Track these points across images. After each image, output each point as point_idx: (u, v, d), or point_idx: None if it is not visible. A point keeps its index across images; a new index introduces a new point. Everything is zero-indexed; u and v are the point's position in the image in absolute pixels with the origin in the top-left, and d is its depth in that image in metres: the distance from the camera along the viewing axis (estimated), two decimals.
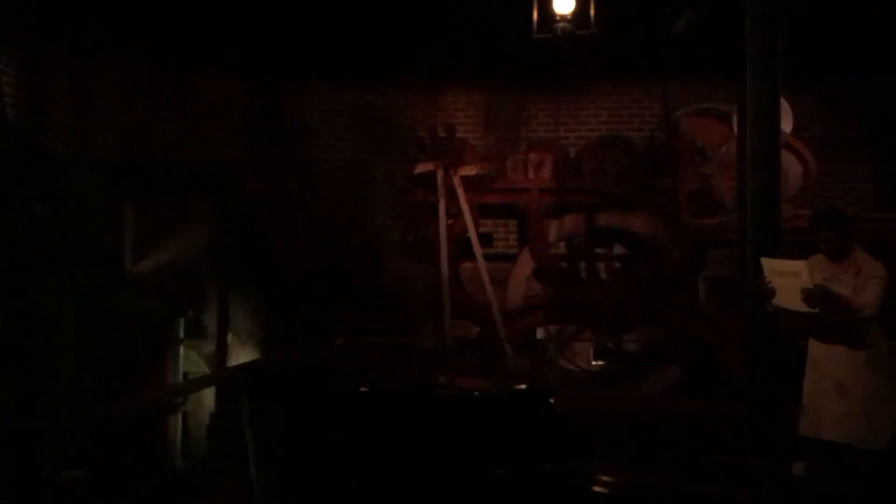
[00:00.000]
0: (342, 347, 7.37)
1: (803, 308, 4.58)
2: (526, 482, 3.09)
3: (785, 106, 7.11)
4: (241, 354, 6.50)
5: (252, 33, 9.11)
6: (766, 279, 4.75)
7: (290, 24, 9.10)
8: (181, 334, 6.09)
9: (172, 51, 8.73)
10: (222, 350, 5.82)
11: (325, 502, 3.50)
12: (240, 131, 9.67)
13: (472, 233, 7.75)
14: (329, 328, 7.93)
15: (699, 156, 7.79)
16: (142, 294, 5.92)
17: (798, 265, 4.65)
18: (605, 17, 7.54)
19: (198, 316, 6.21)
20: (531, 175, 7.88)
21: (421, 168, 7.84)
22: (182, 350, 6.05)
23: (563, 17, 7.36)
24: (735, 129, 7.02)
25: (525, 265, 7.94)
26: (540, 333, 8.24)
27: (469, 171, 7.76)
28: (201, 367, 6.15)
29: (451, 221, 7.82)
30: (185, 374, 6.13)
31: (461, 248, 7.95)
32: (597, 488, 3.15)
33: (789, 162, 7.57)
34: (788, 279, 4.63)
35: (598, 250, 8.18)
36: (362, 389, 3.52)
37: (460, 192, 7.68)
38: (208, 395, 6.11)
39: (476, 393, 3.50)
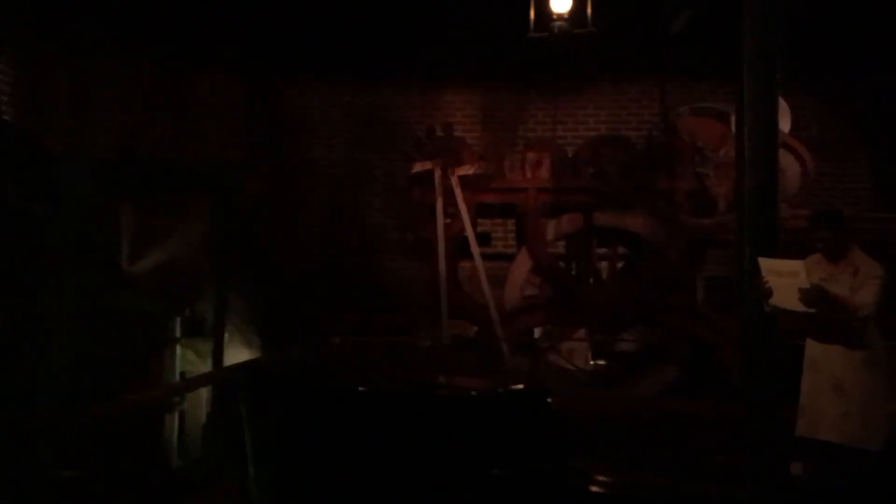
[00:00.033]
0: (340, 347, 7.36)
1: (801, 308, 4.58)
2: (524, 482, 3.09)
3: (783, 105, 7.10)
4: (239, 353, 6.49)
5: (251, 32, 9.11)
6: (764, 279, 4.75)
7: (289, 23, 9.09)
8: (178, 333, 6.08)
9: (171, 50, 8.73)
10: (219, 349, 5.81)
11: (323, 502, 3.50)
12: (238, 130, 9.67)
13: (469, 232, 7.74)
14: (327, 327, 7.92)
15: (697, 155, 7.79)
16: (139, 293, 5.91)
17: (795, 265, 4.65)
18: (604, 16, 7.52)
19: (195, 315, 6.20)
20: (529, 174, 7.88)
21: (418, 167, 7.84)
22: (179, 349, 6.04)
23: (560, 16, 7.35)
24: (733, 128, 7.02)
25: (523, 265, 7.94)
26: (538, 333, 8.24)
27: (467, 170, 7.76)
28: (198, 367, 6.14)
29: (448, 221, 7.82)
30: (182, 374, 6.11)
31: (459, 248, 7.94)
32: (595, 488, 3.14)
33: (787, 162, 7.56)
34: (786, 279, 4.63)
35: (597, 250, 8.17)
36: (360, 389, 3.52)
37: (458, 191, 7.68)
38: (205, 395, 6.10)
39: (473, 393, 3.49)
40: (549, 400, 3.34)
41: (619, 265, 8.17)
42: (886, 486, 3.54)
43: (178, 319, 6.10)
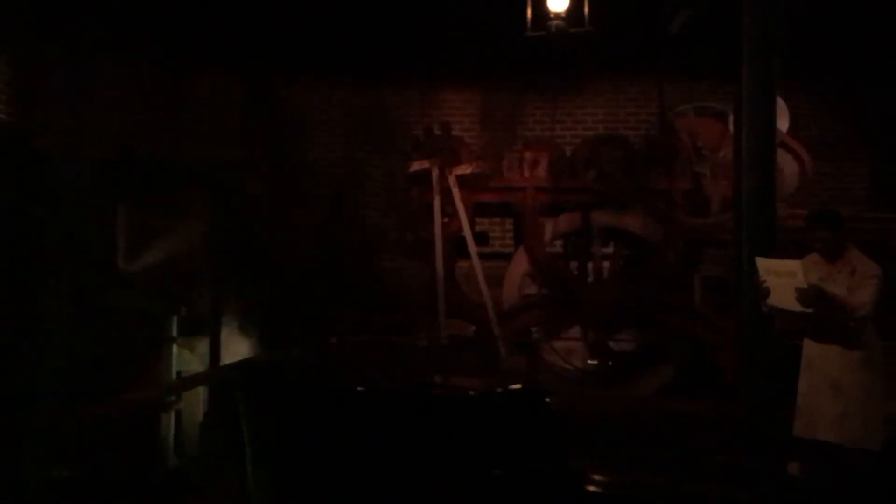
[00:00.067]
0: (338, 346, 7.34)
1: (798, 308, 4.58)
2: (522, 482, 3.08)
3: (781, 105, 7.10)
4: (236, 352, 6.47)
5: (249, 32, 9.09)
6: (761, 279, 4.74)
7: (288, 23, 9.08)
8: (175, 333, 6.06)
9: (170, 50, 8.71)
10: (216, 348, 5.80)
11: (321, 501, 3.49)
12: (237, 130, 9.66)
13: (467, 231, 7.73)
14: (325, 326, 7.90)
15: (695, 155, 7.79)
16: (136, 292, 5.90)
17: (793, 265, 4.64)
18: (602, 15, 7.52)
19: (192, 314, 6.19)
20: (527, 174, 7.87)
21: (416, 166, 7.83)
22: (175, 348, 6.03)
23: (557, 15, 7.35)
24: (731, 128, 7.02)
25: (520, 264, 7.93)
26: (536, 333, 8.23)
27: (464, 169, 7.75)
28: (195, 366, 6.13)
29: (446, 220, 7.81)
30: (179, 373, 6.10)
31: (457, 247, 7.93)
32: (593, 488, 3.13)
33: (785, 161, 7.56)
34: (783, 279, 4.62)
35: (594, 249, 8.16)
36: (359, 388, 3.51)
37: (455, 191, 7.67)
38: (202, 394, 6.09)
39: (471, 392, 3.48)
40: (546, 400, 3.33)
41: (617, 264, 8.16)
42: (885, 487, 3.53)
43: (175, 319, 6.08)
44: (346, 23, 9.14)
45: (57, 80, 7.29)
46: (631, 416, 6.62)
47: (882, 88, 9.18)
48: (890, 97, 9.16)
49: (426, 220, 7.87)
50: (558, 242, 8.43)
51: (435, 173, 7.69)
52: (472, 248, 7.73)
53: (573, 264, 8.22)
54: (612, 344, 8.24)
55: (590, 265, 8.06)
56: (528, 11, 7.46)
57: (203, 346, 6.02)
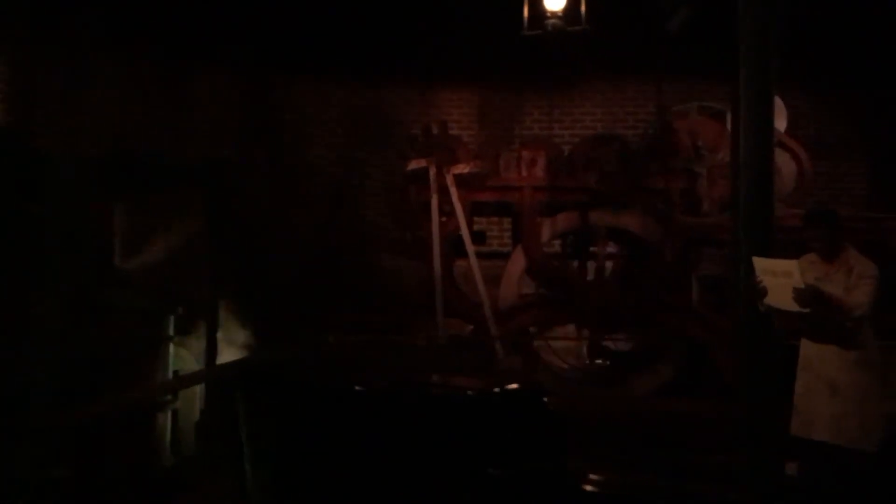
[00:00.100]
0: (336, 345, 7.34)
1: (795, 308, 4.57)
2: (520, 482, 3.07)
3: (779, 104, 7.10)
4: (233, 352, 6.46)
5: (246, 30, 9.08)
6: (758, 279, 4.74)
7: (287, 22, 9.07)
8: (171, 331, 6.05)
9: (168, 48, 8.69)
10: (212, 347, 5.78)
11: (319, 500, 3.48)
12: (235, 129, 9.64)
13: (464, 231, 7.73)
14: (322, 325, 7.90)
15: (693, 154, 7.78)
16: (132, 291, 5.88)
17: (790, 265, 4.63)
18: (600, 14, 7.52)
19: (188, 313, 6.17)
20: (524, 173, 7.86)
21: (413, 165, 7.82)
22: (172, 348, 6.02)
23: (554, 14, 7.34)
24: (729, 127, 7.01)
25: (518, 263, 7.92)
26: (533, 332, 8.22)
27: (462, 168, 7.74)
28: (192, 365, 6.12)
29: (444, 219, 7.81)
30: (176, 372, 6.08)
31: (454, 246, 7.92)
32: (591, 488, 3.12)
33: (783, 161, 7.57)
34: (780, 279, 4.62)
35: (592, 249, 8.16)
36: (357, 388, 3.51)
37: (453, 190, 7.66)
38: (199, 393, 6.08)
39: (469, 392, 3.47)
40: (544, 399, 3.32)
41: (615, 264, 8.15)
42: (883, 487, 3.53)
43: (172, 318, 6.07)
44: (344, 22, 9.13)
45: (55, 78, 7.28)
46: (629, 415, 6.62)
47: (881, 88, 9.18)
48: (888, 97, 9.17)
49: (423, 220, 7.86)
50: (556, 242, 8.43)
51: (432, 172, 7.69)
52: (470, 247, 7.72)
53: (571, 264, 8.21)
54: (609, 344, 8.24)
55: (588, 265, 8.06)
56: (525, 10, 7.46)
57: (200, 345, 6.00)
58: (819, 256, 4.80)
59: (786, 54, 5.70)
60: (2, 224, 5.24)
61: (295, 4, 8.87)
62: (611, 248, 8.21)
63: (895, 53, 8.66)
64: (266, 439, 3.62)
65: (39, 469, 4.77)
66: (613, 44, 8.42)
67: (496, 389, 3.31)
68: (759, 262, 4.79)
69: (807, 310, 4.55)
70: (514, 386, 3.39)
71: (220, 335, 6.13)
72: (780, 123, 7.57)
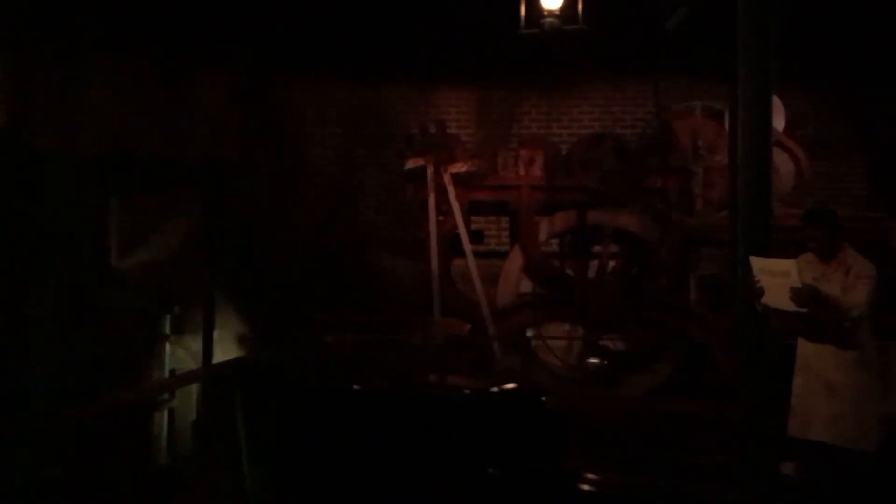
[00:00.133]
0: (333, 345, 7.33)
1: (792, 308, 4.56)
2: (518, 482, 3.07)
3: (778, 104, 7.09)
4: (229, 351, 6.45)
5: (246, 30, 9.07)
6: (755, 278, 4.73)
7: (284, 21, 9.05)
8: (168, 331, 6.04)
9: (167, 48, 8.69)
10: (208, 346, 5.77)
11: (318, 500, 3.48)
12: (232, 128, 9.64)
13: (461, 230, 7.72)
14: (319, 325, 7.89)
15: (691, 154, 7.77)
16: (129, 290, 5.87)
17: (787, 264, 4.62)
18: (598, 13, 7.52)
19: (185, 312, 6.16)
20: (522, 172, 7.85)
21: (411, 164, 7.81)
22: (168, 347, 6.00)
23: (551, 13, 7.34)
24: (728, 127, 7.00)
25: (515, 263, 7.91)
26: (530, 331, 8.21)
27: (459, 167, 7.73)
28: (188, 364, 6.10)
29: (441, 218, 7.80)
30: (172, 371, 6.07)
31: (452, 245, 7.91)
32: (589, 488, 3.12)
33: (781, 160, 7.56)
34: (777, 278, 4.61)
35: (590, 248, 8.15)
36: (355, 388, 3.50)
37: (450, 189, 7.65)
38: (195, 392, 6.06)
39: (468, 392, 3.47)
40: (542, 399, 3.32)
41: (613, 263, 8.14)
42: (880, 487, 3.52)
43: (168, 317, 6.05)
44: (343, 22, 9.13)
45: (54, 78, 7.26)
46: (628, 415, 6.62)
47: (879, 88, 9.17)
48: (887, 97, 9.15)
49: (421, 219, 7.85)
50: (554, 241, 8.42)
51: (430, 171, 7.67)
52: (467, 246, 7.71)
53: (569, 263, 8.20)
54: (607, 343, 8.23)
55: (585, 264, 8.04)
56: (522, 9, 7.45)
57: (197, 344, 5.99)
58: (817, 256, 4.79)
59: (785, 54, 5.70)
60: (0, 223, 5.23)
61: (294, 4, 8.85)
62: (607, 248, 8.19)
63: (894, 53, 8.66)
64: (265, 438, 3.62)
65: (35, 469, 4.76)
66: (612, 43, 8.41)
67: (495, 389, 3.31)
68: (757, 262, 4.79)
69: (804, 310, 4.54)
70: (513, 386, 3.39)
71: (216, 334, 6.12)
72: (779, 123, 7.56)
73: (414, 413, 3.28)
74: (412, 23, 9.06)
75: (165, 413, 5.99)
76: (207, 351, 5.84)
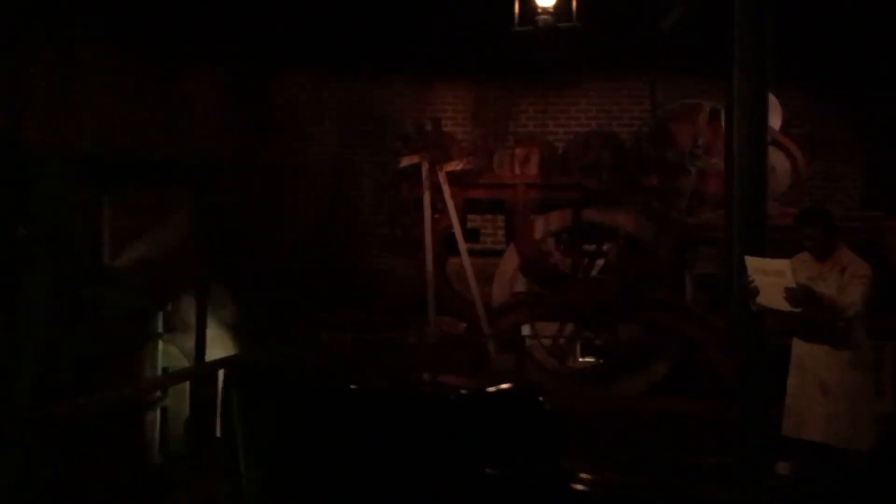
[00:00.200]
0: (328, 343, 7.32)
1: (787, 307, 4.54)
2: (516, 482, 3.05)
3: (774, 102, 7.07)
4: (223, 349, 6.42)
5: (239, 26, 9.04)
6: (750, 278, 4.71)
7: (279, 18, 9.03)
8: (160, 329, 6.00)
9: (159, 45, 8.65)
10: (201, 345, 5.74)
11: (314, 500, 3.46)
12: (226, 125, 9.61)
13: (456, 228, 7.70)
14: (314, 323, 7.88)
15: (687, 152, 7.75)
16: (121, 288, 5.84)
17: (782, 264, 4.61)
18: (594, 11, 7.50)
19: (178, 310, 6.13)
20: (517, 170, 7.84)
21: (406, 162, 7.80)
22: (161, 345, 5.97)
23: (545, 10, 7.32)
24: (724, 125, 6.98)
25: (511, 261, 7.90)
26: (526, 330, 8.20)
27: (455, 166, 7.73)
28: (181, 363, 6.07)
29: (436, 216, 7.78)
30: (165, 370, 6.03)
31: (447, 244, 7.90)
32: (588, 488, 3.10)
33: (777, 159, 7.54)
34: (772, 278, 4.59)
35: (585, 247, 8.14)
36: (352, 387, 3.49)
37: (445, 187, 7.65)
38: (188, 390, 6.03)
39: (465, 391, 3.45)
40: (540, 399, 3.30)
41: (608, 262, 8.13)
42: (876, 488, 3.50)
43: (161, 315, 6.02)
44: (336, 17, 9.10)
45: (45, 76, 7.22)
46: (625, 415, 6.61)
47: (877, 87, 9.15)
48: (885, 96, 9.13)
49: (416, 217, 7.84)
50: (550, 239, 8.40)
51: (425, 169, 7.67)
52: (462, 244, 7.71)
53: (564, 261, 8.19)
54: (603, 342, 8.22)
55: (581, 263, 8.03)
56: (516, 6, 7.43)
57: (190, 342, 5.96)
58: (812, 255, 4.77)
59: (782, 52, 5.68)
60: None
61: (291, 2, 8.84)
62: (602, 247, 8.19)
63: (892, 52, 8.64)
64: (261, 438, 3.60)
65: (28, 468, 4.73)
66: (608, 41, 8.40)
67: (493, 389, 3.29)
68: (751, 262, 4.77)
69: (798, 309, 4.53)
70: (511, 385, 3.37)
71: (210, 332, 6.09)
72: (775, 122, 7.54)
73: (412, 413, 3.26)
74: (409, 21, 9.04)
75: (158, 412, 5.95)
76: (200, 349, 5.80)
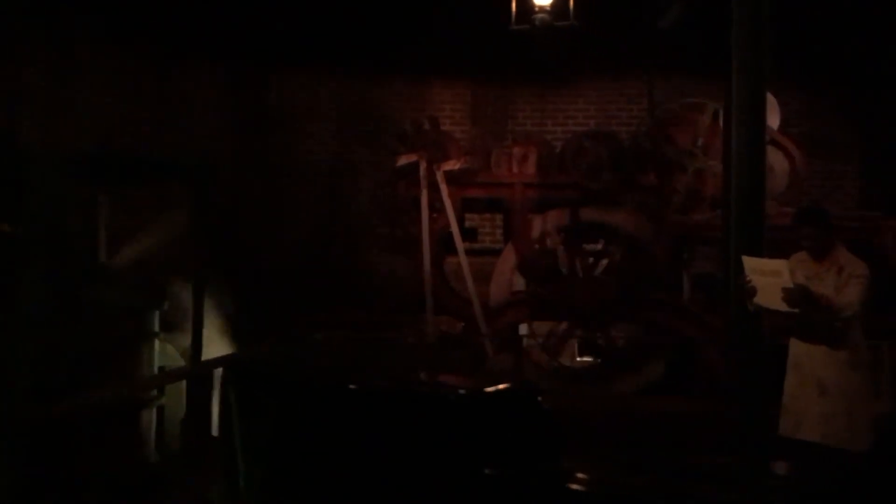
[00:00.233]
0: (324, 343, 7.31)
1: (784, 308, 4.54)
2: (515, 482, 3.05)
3: (772, 102, 7.06)
4: (220, 348, 6.41)
5: (236, 25, 9.03)
6: (747, 278, 4.70)
7: (276, 16, 9.02)
8: (157, 328, 5.99)
9: (157, 43, 8.63)
10: (197, 343, 5.73)
11: (312, 499, 3.46)
12: (224, 124, 9.59)
13: (454, 227, 7.69)
14: (311, 322, 7.86)
15: (685, 152, 7.74)
16: (117, 287, 5.82)
17: (779, 264, 4.60)
18: (592, 11, 7.48)
19: (174, 309, 6.12)
20: (515, 169, 7.83)
21: (403, 160, 7.78)
22: (157, 344, 5.96)
23: (542, 9, 7.31)
24: (722, 125, 6.98)
25: (509, 260, 7.89)
26: (523, 329, 8.19)
27: (452, 165, 7.71)
28: (178, 361, 6.06)
29: (434, 215, 7.77)
30: (161, 368, 6.03)
31: (445, 243, 7.89)
32: (587, 488, 3.10)
33: (776, 158, 7.53)
34: (769, 278, 4.59)
35: (583, 246, 8.12)
36: (351, 387, 3.49)
37: (443, 186, 7.63)
38: (185, 389, 6.02)
39: (463, 391, 3.45)
40: (539, 398, 3.29)
41: (605, 261, 8.12)
42: (874, 488, 3.50)
43: (157, 314, 6.01)
44: (335, 15, 9.09)
45: (41, 75, 7.20)
46: (624, 414, 6.60)
47: (875, 86, 9.15)
48: (883, 95, 9.13)
49: (413, 216, 7.82)
50: (547, 239, 8.38)
51: (422, 168, 7.65)
52: (459, 244, 7.70)
53: (562, 261, 8.17)
54: (600, 341, 8.21)
55: (578, 262, 8.01)
56: (513, 4, 7.42)
57: (186, 341, 5.95)
58: (809, 255, 4.77)
59: (780, 52, 5.67)
60: None
61: (288, 2, 8.82)
62: (600, 246, 8.18)
63: (891, 52, 8.64)
64: (259, 437, 3.60)
65: (23, 467, 4.72)
66: (606, 40, 8.39)
67: (492, 388, 3.29)
68: (749, 262, 4.76)
69: (795, 310, 4.52)
70: (510, 385, 3.36)
71: (207, 331, 6.07)
72: (773, 121, 7.53)
73: (411, 412, 3.26)
74: (406, 19, 9.03)
75: (154, 410, 5.94)
76: (196, 348, 5.80)
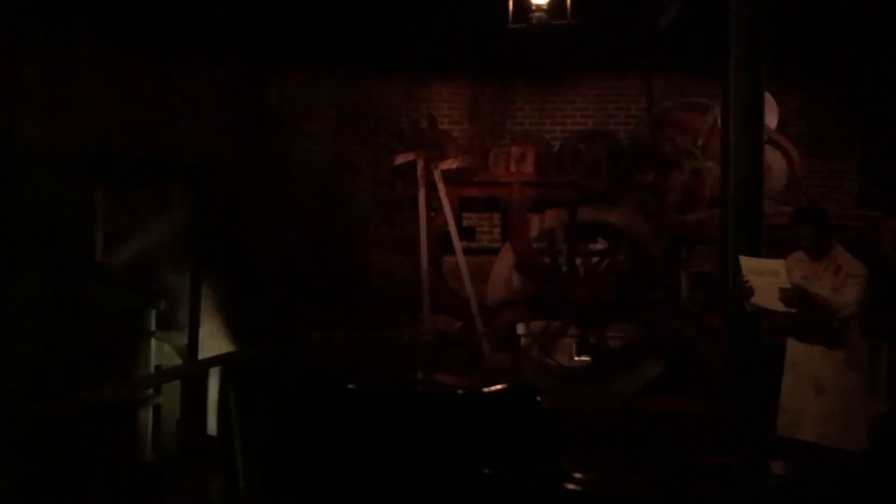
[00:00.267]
0: (321, 342, 7.29)
1: (781, 308, 4.53)
2: (514, 482, 3.04)
3: (770, 101, 7.07)
4: (216, 347, 6.40)
5: (236, 25, 9.02)
6: (745, 278, 4.70)
7: (276, 16, 9.01)
8: (153, 327, 5.99)
9: (154, 43, 8.62)
10: (194, 343, 5.73)
11: (311, 499, 3.46)
12: (222, 123, 9.58)
13: (451, 226, 7.68)
14: (308, 321, 7.86)
15: (683, 151, 7.74)
16: (114, 286, 5.82)
17: (776, 264, 4.60)
18: (589, 9, 7.48)
19: (171, 308, 6.12)
20: (513, 168, 7.81)
21: (401, 159, 7.76)
22: (154, 343, 5.96)
23: (539, 7, 7.30)
24: (720, 123, 6.98)
25: (506, 260, 7.88)
26: (521, 329, 8.19)
27: (450, 164, 7.69)
28: (174, 360, 6.06)
29: (432, 214, 7.76)
30: (158, 367, 6.02)
31: (443, 242, 7.88)
32: (587, 488, 3.10)
33: (773, 158, 7.53)
34: (766, 278, 4.58)
35: (581, 245, 8.12)
36: (350, 386, 3.49)
37: (441, 185, 7.61)
38: (181, 389, 6.02)
39: (462, 391, 3.44)
40: (538, 398, 3.29)
41: (605, 261, 8.11)
42: (872, 488, 3.50)
43: (154, 312, 6.00)
44: (333, 14, 9.08)
45: (39, 74, 7.19)
46: (624, 414, 6.60)
47: (873, 86, 9.15)
48: (882, 95, 9.13)
49: (411, 215, 7.81)
50: (545, 238, 8.38)
51: (420, 167, 7.63)
52: (457, 243, 7.68)
53: (560, 260, 8.17)
54: (598, 341, 8.20)
55: (576, 261, 8.01)
56: (511, 3, 7.41)
57: (183, 340, 5.94)
58: (807, 254, 4.76)
59: (778, 51, 5.67)
60: None
61: (287, 1, 8.81)
62: (598, 245, 8.17)
63: (890, 51, 8.64)
64: (257, 436, 3.59)
65: (18, 467, 4.71)
66: (604, 39, 8.39)
67: (491, 388, 3.28)
68: (746, 262, 4.76)
69: (793, 310, 4.52)
70: (509, 385, 3.36)
71: (204, 330, 6.07)
72: (771, 120, 7.54)
73: (410, 412, 3.26)
74: (404, 18, 9.03)
75: (151, 409, 5.94)
76: (193, 347, 5.80)
